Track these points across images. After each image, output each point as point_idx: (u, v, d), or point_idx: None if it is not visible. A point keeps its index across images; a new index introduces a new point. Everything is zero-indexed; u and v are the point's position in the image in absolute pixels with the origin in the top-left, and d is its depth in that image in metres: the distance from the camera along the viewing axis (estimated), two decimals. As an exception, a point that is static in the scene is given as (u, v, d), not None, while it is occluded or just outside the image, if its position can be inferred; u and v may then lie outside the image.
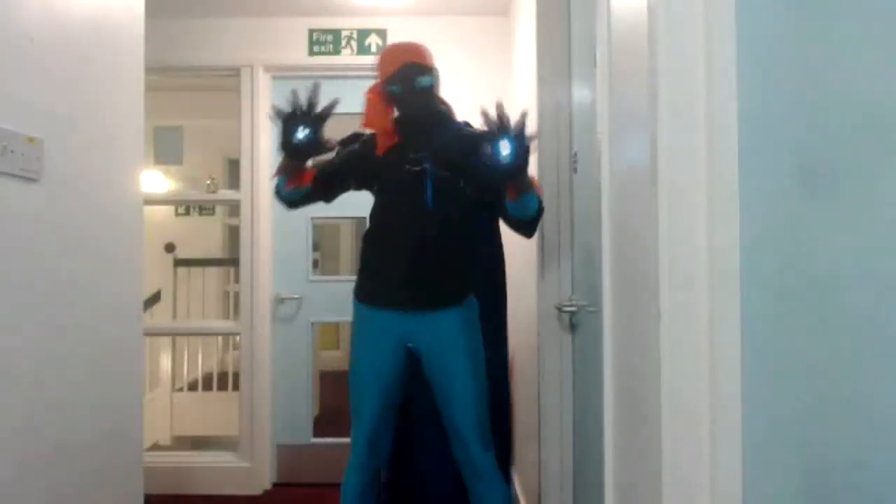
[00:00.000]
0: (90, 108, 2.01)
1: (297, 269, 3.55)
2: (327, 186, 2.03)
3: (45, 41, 1.78)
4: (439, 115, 2.06)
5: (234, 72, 3.49)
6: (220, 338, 5.54)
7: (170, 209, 5.66)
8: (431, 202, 1.95)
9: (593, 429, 1.86)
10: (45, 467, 1.77)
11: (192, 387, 4.91)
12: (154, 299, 4.81)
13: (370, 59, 2.58)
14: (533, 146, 1.64)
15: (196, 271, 5.30)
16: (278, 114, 1.69)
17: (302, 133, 1.69)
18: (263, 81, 3.48)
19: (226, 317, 5.59)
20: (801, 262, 0.72)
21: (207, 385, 4.92)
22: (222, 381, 4.96)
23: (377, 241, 2.04)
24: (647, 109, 0.88)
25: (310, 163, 1.93)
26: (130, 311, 2.26)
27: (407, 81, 1.96)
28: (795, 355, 0.73)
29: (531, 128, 1.63)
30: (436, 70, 2.02)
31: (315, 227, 3.63)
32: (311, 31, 3.48)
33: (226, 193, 3.68)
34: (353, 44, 3.48)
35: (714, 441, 0.82)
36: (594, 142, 1.67)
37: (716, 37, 0.82)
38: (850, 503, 0.65)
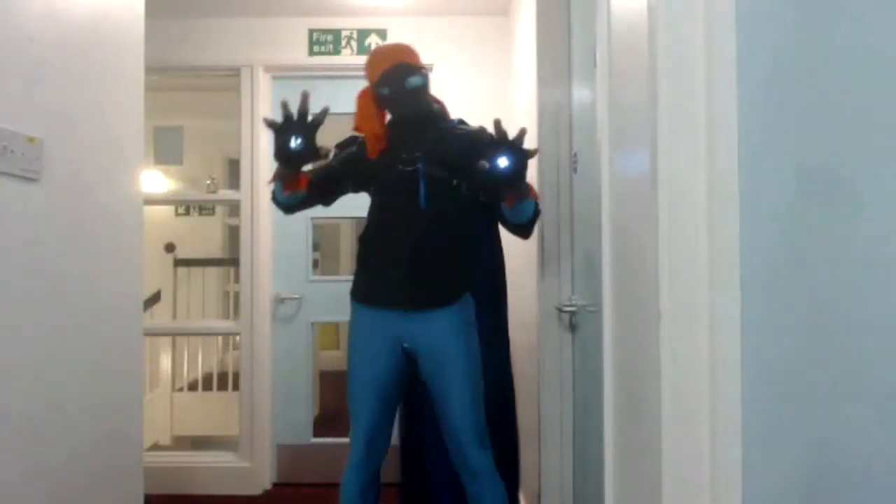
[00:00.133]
0: (90, 107, 2.01)
1: (297, 269, 3.55)
2: (324, 190, 2.04)
3: (45, 41, 1.78)
4: (431, 114, 2.06)
5: (234, 72, 3.49)
6: (220, 338, 5.55)
7: (170, 209, 5.66)
8: (425, 202, 1.96)
9: (593, 429, 1.86)
10: (46, 467, 1.77)
11: (192, 387, 4.91)
12: (154, 299, 4.82)
13: (370, 60, 2.57)
14: (532, 158, 1.64)
15: (196, 271, 5.30)
16: (271, 124, 1.70)
17: (295, 142, 1.70)
18: (263, 81, 3.48)
19: (226, 317, 5.59)
20: (801, 262, 0.72)
21: (207, 385, 4.92)
22: (222, 381, 4.97)
23: (372, 242, 2.05)
24: (647, 110, 0.88)
25: (309, 166, 1.93)
26: (130, 311, 2.26)
27: (397, 82, 1.96)
28: (795, 356, 0.73)
29: (530, 142, 1.62)
30: (425, 69, 2.02)
31: (315, 227, 3.63)
32: (311, 31, 3.48)
33: (226, 193, 3.68)
34: (353, 44, 3.48)
35: (714, 441, 0.82)
36: (594, 142, 1.68)
37: (716, 37, 0.82)
38: (849, 503, 0.65)
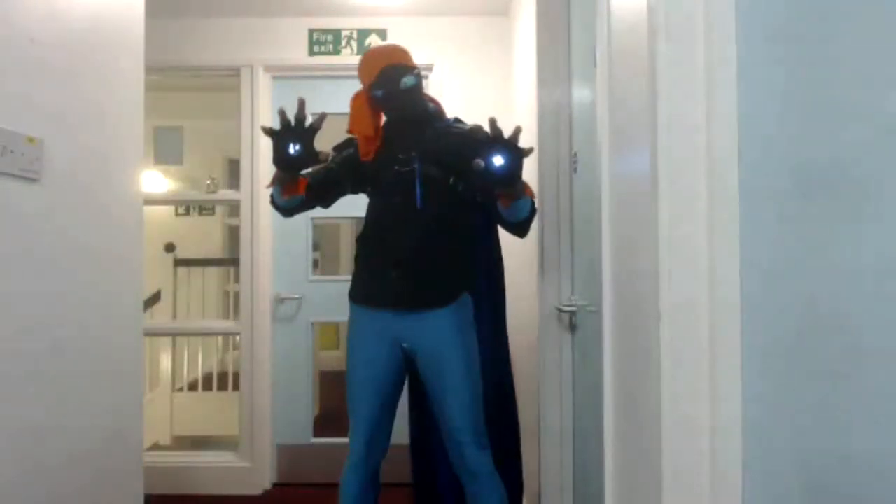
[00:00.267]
0: (90, 108, 2.01)
1: (297, 269, 3.55)
2: (322, 193, 2.04)
3: (45, 41, 1.78)
4: (427, 113, 2.06)
5: (234, 72, 3.49)
6: (220, 338, 5.55)
7: (170, 209, 5.66)
8: (421, 202, 1.96)
9: (593, 429, 1.86)
10: (46, 467, 1.77)
11: (192, 387, 4.91)
12: (154, 299, 4.81)
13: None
14: (527, 158, 1.63)
15: (196, 271, 5.30)
16: (269, 132, 1.70)
17: (293, 148, 1.71)
18: (263, 81, 3.48)
19: (226, 317, 5.59)
20: (801, 262, 0.72)
21: (207, 385, 4.92)
22: (222, 381, 4.97)
23: (370, 243, 2.05)
24: (647, 110, 0.88)
25: (309, 169, 1.93)
26: (130, 311, 2.26)
27: (390, 84, 1.96)
28: (795, 355, 0.73)
29: (522, 133, 1.62)
30: (418, 69, 2.02)
31: (315, 227, 3.63)
32: (311, 31, 3.48)
33: (226, 193, 3.67)
34: (353, 44, 3.48)
35: (714, 441, 0.82)
36: (594, 142, 1.68)
37: (716, 37, 0.82)
38: (849, 503, 0.65)
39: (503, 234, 2.41)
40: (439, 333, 1.96)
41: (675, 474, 0.84)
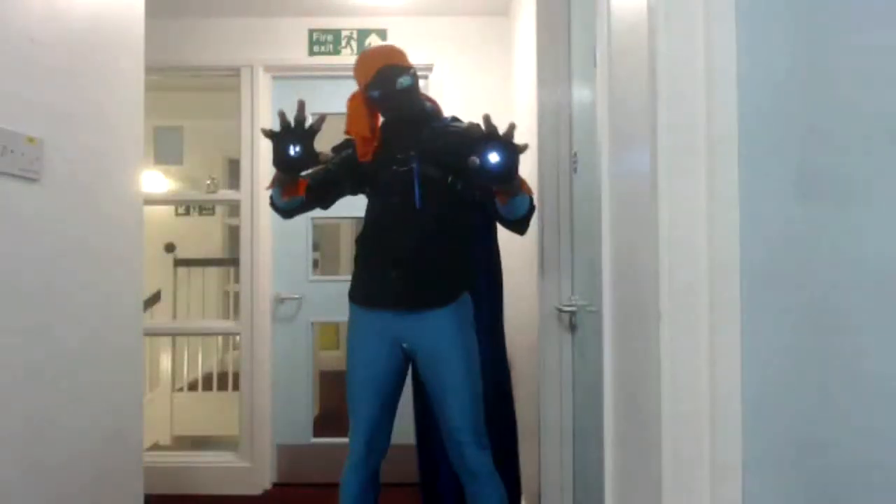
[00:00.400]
0: (90, 108, 2.02)
1: (297, 269, 3.55)
2: (322, 194, 2.04)
3: (45, 41, 1.78)
4: (423, 113, 2.06)
5: (234, 72, 3.49)
6: (220, 338, 5.55)
7: (170, 209, 5.65)
8: (420, 202, 1.96)
9: (593, 429, 1.86)
10: (46, 467, 1.77)
11: (192, 387, 4.91)
12: (154, 299, 4.81)
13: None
14: (523, 154, 1.63)
15: (196, 271, 5.30)
16: (269, 134, 1.70)
17: (293, 150, 1.71)
18: (263, 81, 3.48)
19: (226, 317, 5.59)
20: (801, 262, 0.72)
21: (207, 385, 4.92)
22: (222, 381, 4.97)
23: (369, 243, 2.05)
24: (647, 110, 0.88)
25: (309, 171, 1.93)
26: (130, 311, 2.26)
27: (387, 84, 1.96)
28: (795, 355, 0.73)
29: (522, 132, 1.62)
30: (414, 69, 2.02)
31: (315, 227, 3.63)
32: (311, 31, 3.48)
33: (226, 193, 3.68)
34: (353, 44, 3.48)
35: (714, 441, 0.82)
36: (594, 142, 1.67)
37: (716, 36, 0.82)
38: (850, 503, 0.65)
39: (503, 233, 2.41)
40: (439, 333, 1.96)
41: (675, 474, 0.84)
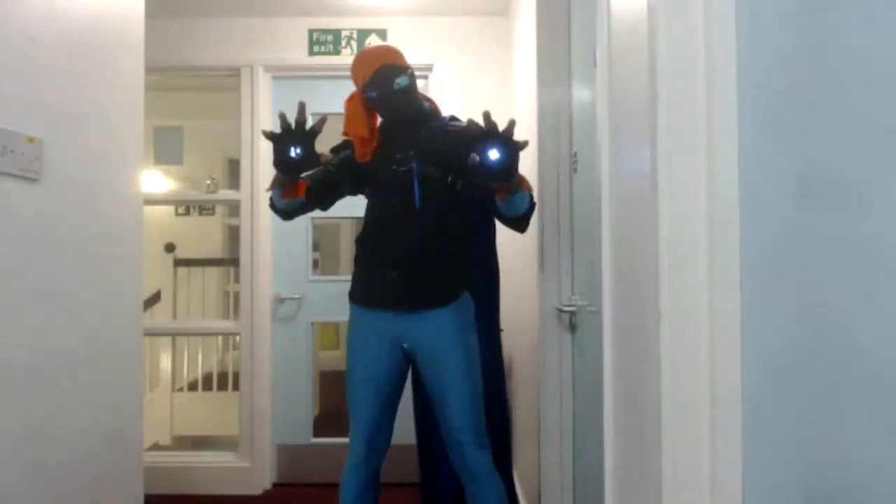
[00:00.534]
0: (90, 108, 2.02)
1: (297, 269, 3.55)
2: (322, 195, 2.04)
3: (45, 41, 1.78)
4: (422, 113, 2.06)
5: (234, 72, 3.49)
6: (220, 338, 5.55)
7: (170, 209, 5.66)
8: (420, 202, 1.96)
9: (593, 429, 1.86)
10: (46, 467, 1.77)
11: (192, 387, 4.91)
12: (154, 299, 4.81)
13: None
14: (523, 150, 1.62)
15: (196, 271, 5.30)
16: (270, 136, 1.70)
17: (294, 151, 1.71)
18: (263, 81, 3.48)
19: (226, 317, 5.59)
20: (801, 262, 0.72)
21: (207, 385, 4.92)
22: (222, 381, 4.97)
23: (369, 244, 2.05)
24: (647, 110, 0.88)
25: (309, 172, 1.93)
26: (130, 311, 2.26)
27: (384, 84, 1.95)
28: (795, 356, 0.73)
29: (522, 132, 1.62)
30: (411, 69, 2.02)
31: (315, 227, 3.63)
32: (311, 31, 3.48)
33: (226, 193, 3.68)
34: (353, 44, 3.48)
35: (714, 441, 0.82)
36: (594, 142, 1.68)
37: (716, 37, 0.82)
38: (849, 503, 0.65)
39: (503, 233, 2.41)
40: (439, 333, 1.96)
41: (675, 474, 0.84)
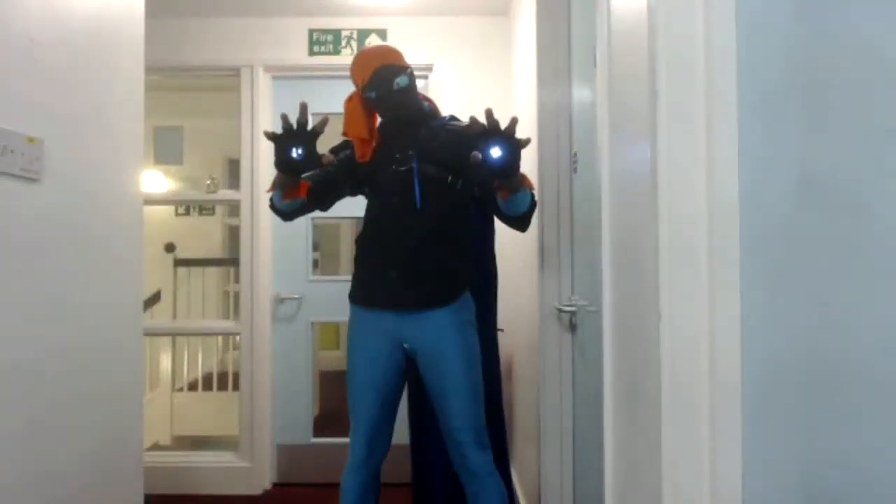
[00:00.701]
0: (90, 108, 2.02)
1: (297, 269, 3.55)
2: (322, 196, 2.04)
3: (45, 42, 1.78)
4: (421, 112, 2.06)
5: (234, 72, 3.49)
6: (220, 338, 5.55)
7: (170, 209, 5.66)
8: (420, 202, 1.96)
9: (593, 429, 1.86)
10: (46, 468, 1.77)
11: (192, 387, 4.91)
12: (154, 299, 4.81)
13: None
14: (525, 148, 1.62)
15: (196, 271, 5.30)
16: (272, 136, 1.70)
17: (296, 152, 1.71)
18: (263, 81, 3.48)
19: (226, 317, 5.59)
20: (801, 262, 0.72)
21: (207, 385, 4.92)
22: (222, 381, 4.97)
23: (369, 243, 2.05)
24: (647, 110, 0.88)
25: (309, 172, 1.93)
26: (130, 311, 2.26)
27: (383, 84, 1.95)
28: (795, 356, 0.73)
29: (522, 132, 1.61)
30: (410, 68, 2.01)
31: (315, 227, 3.63)
32: (311, 31, 3.48)
33: (226, 193, 3.68)
34: (353, 44, 3.48)
35: (714, 440, 0.82)
36: (594, 142, 1.67)
37: (716, 37, 0.82)
38: (849, 503, 0.65)
39: (502, 233, 2.41)
40: (440, 333, 1.96)
41: (675, 474, 0.84)
